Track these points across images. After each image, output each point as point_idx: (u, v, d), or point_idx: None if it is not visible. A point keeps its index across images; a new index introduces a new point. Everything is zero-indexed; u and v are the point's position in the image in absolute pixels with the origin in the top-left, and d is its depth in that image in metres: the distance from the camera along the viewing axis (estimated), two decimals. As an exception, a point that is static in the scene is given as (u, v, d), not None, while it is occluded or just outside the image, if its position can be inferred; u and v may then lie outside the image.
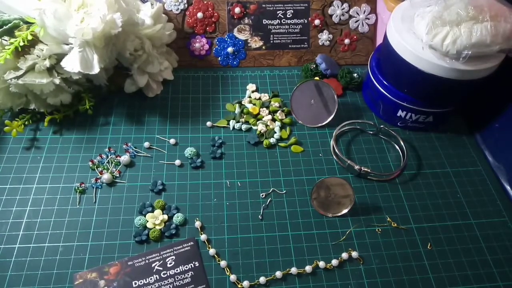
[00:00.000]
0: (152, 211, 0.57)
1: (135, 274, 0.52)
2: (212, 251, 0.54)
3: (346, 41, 0.79)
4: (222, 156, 0.65)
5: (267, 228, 0.57)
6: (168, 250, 0.54)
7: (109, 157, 0.63)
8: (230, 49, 0.78)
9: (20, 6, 0.62)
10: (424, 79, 0.60)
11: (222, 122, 0.69)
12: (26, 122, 0.65)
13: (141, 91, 0.71)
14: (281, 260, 0.54)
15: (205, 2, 0.76)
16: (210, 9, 0.77)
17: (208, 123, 0.69)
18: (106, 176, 0.60)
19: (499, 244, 0.57)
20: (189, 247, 0.54)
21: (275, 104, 0.72)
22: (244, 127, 0.68)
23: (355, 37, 0.80)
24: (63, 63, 0.59)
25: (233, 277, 0.52)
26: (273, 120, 0.70)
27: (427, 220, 0.59)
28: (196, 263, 0.53)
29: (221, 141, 0.66)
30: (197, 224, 0.57)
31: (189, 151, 0.64)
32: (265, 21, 0.78)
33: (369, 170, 0.62)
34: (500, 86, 0.66)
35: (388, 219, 0.59)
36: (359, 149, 0.67)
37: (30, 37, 0.58)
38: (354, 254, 0.55)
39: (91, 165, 0.62)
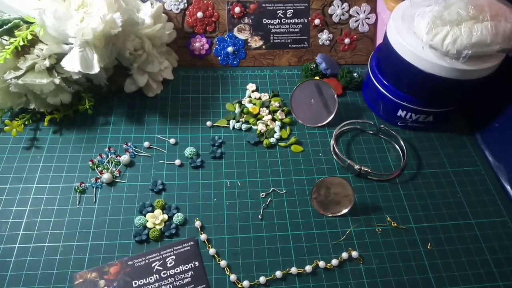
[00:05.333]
0: (152, 211, 0.57)
1: (135, 274, 0.52)
2: (212, 250, 0.54)
3: (346, 40, 0.79)
4: (222, 155, 0.65)
5: (267, 227, 0.57)
6: (168, 250, 0.54)
7: (109, 156, 0.63)
8: (230, 49, 0.78)
9: (20, 5, 0.62)
10: (424, 78, 0.60)
11: (222, 121, 0.69)
12: (26, 122, 0.65)
13: (141, 90, 0.71)
14: (281, 260, 0.54)
15: (205, 1, 0.76)
16: (210, 8, 0.77)
17: (208, 123, 0.69)
18: (106, 176, 0.60)
19: (499, 244, 0.57)
20: (189, 247, 0.54)
21: (275, 103, 0.72)
22: (244, 126, 0.68)
23: (355, 36, 0.80)
24: (63, 63, 0.59)
25: (233, 277, 0.52)
26: (273, 119, 0.70)
27: (427, 220, 0.59)
28: (196, 262, 0.53)
29: (221, 140, 0.66)
30: (197, 224, 0.57)
31: (189, 150, 0.64)
32: (265, 21, 0.78)
33: (369, 170, 0.62)
34: (500, 86, 0.66)
35: (388, 218, 0.59)
36: (359, 149, 0.67)
37: (30, 37, 0.58)
38: (354, 254, 0.55)
39: (91, 165, 0.62)
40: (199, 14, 0.76)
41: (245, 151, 0.66)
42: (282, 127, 0.70)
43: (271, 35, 0.79)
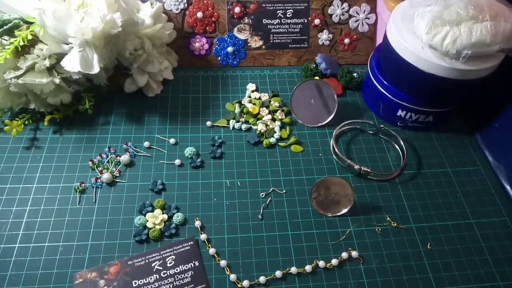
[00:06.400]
0: (152, 211, 0.57)
1: (135, 274, 0.52)
2: (212, 250, 0.54)
3: (346, 40, 0.79)
4: (222, 155, 0.65)
5: (267, 227, 0.57)
6: (168, 250, 0.54)
7: (109, 156, 0.63)
8: (230, 49, 0.78)
9: (20, 5, 0.62)
10: (424, 78, 0.60)
11: (222, 121, 0.69)
12: (26, 122, 0.65)
13: (141, 90, 0.71)
14: (281, 260, 0.54)
15: (205, 1, 0.76)
16: (210, 8, 0.77)
17: (208, 123, 0.69)
18: (106, 176, 0.60)
19: (499, 243, 0.57)
20: (189, 247, 0.54)
21: (275, 103, 0.72)
22: (244, 126, 0.68)
23: (355, 36, 0.80)
24: (63, 63, 0.59)
25: (233, 277, 0.52)
26: (273, 119, 0.70)
27: (427, 220, 0.59)
28: (196, 262, 0.53)
29: (221, 140, 0.66)
30: (197, 223, 0.57)
31: (189, 150, 0.64)
32: (265, 21, 0.78)
33: (369, 170, 0.62)
34: (500, 86, 0.66)
35: (388, 218, 0.59)
36: (359, 149, 0.67)
37: (30, 37, 0.58)
38: (354, 253, 0.55)
39: (91, 165, 0.62)
40: (199, 14, 0.76)
41: (245, 151, 0.66)
42: (282, 127, 0.70)
43: (271, 35, 0.79)
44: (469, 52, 0.56)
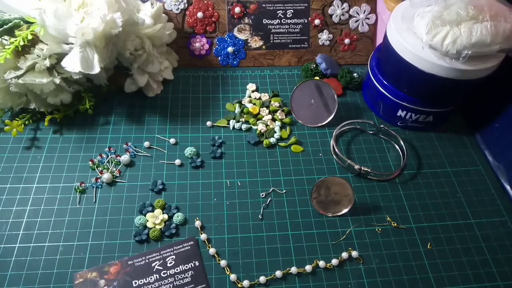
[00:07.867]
0: (152, 211, 0.57)
1: (135, 274, 0.52)
2: (212, 250, 0.54)
3: (346, 41, 0.80)
4: (222, 155, 0.65)
5: (267, 227, 0.57)
6: (168, 250, 0.54)
7: (109, 156, 0.63)
8: (230, 49, 0.78)
9: (20, 5, 0.62)
10: (424, 78, 0.60)
11: (222, 121, 0.69)
12: (26, 122, 0.65)
13: (141, 90, 0.71)
14: (281, 260, 0.54)
15: (205, 1, 0.76)
16: (210, 8, 0.77)
17: (208, 123, 0.69)
18: (106, 176, 0.60)
19: (499, 243, 0.57)
20: (189, 247, 0.55)
21: (275, 103, 0.72)
22: (244, 126, 0.68)
23: (355, 36, 0.80)
24: (63, 63, 0.59)
25: (233, 277, 0.52)
26: (273, 119, 0.70)
27: (427, 220, 0.59)
28: (196, 262, 0.53)
29: (221, 140, 0.66)
30: (197, 223, 0.57)
31: (189, 150, 0.64)
32: (265, 21, 0.78)
33: (369, 170, 0.62)
34: (500, 86, 0.66)
35: (388, 218, 0.59)
36: (359, 149, 0.67)
37: (30, 37, 0.58)
38: (354, 253, 0.55)
39: (91, 165, 0.62)
40: (199, 14, 0.76)
41: (245, 151, 0.66)
42: (282, 127, 0.70)
43: (271, 35, 0.79)
44: (469, 52, 0.56)
